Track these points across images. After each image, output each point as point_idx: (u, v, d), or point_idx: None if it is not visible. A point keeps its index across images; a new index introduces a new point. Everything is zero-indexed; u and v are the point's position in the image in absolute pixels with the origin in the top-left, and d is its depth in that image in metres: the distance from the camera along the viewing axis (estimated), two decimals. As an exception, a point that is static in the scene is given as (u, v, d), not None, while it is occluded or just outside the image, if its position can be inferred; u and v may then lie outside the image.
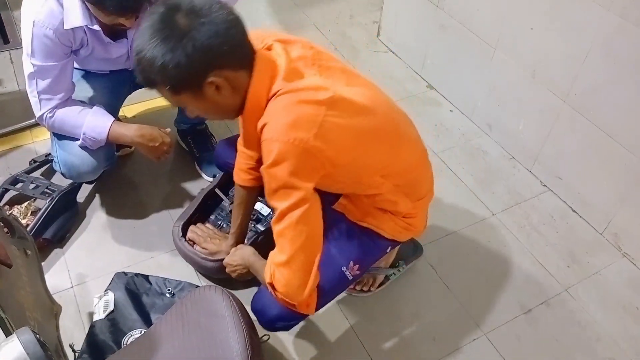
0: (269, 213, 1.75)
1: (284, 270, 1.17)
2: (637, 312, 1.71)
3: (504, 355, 1.57)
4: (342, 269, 1.37)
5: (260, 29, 1.21)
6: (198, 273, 1.70)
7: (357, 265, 1.38)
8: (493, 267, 1.81)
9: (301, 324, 1.60)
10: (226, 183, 1.81)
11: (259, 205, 1.76)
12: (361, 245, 1.39)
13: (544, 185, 2.08)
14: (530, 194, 2.06)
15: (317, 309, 1.32)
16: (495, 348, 1.59)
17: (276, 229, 1.16)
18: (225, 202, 1.77)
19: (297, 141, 1.06)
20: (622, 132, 1.73)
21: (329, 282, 1.33)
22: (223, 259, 1.53)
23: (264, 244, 1.42)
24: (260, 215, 1.75)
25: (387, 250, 1.48)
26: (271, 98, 1.13)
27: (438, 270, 1.77)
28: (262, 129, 1.11)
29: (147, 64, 1.06)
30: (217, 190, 1.79)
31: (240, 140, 1.48)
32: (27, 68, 1.54)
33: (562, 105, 1.88)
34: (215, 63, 1.07)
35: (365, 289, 1.67)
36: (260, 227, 1.72)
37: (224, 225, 1.73)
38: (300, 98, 1.10)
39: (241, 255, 1.47)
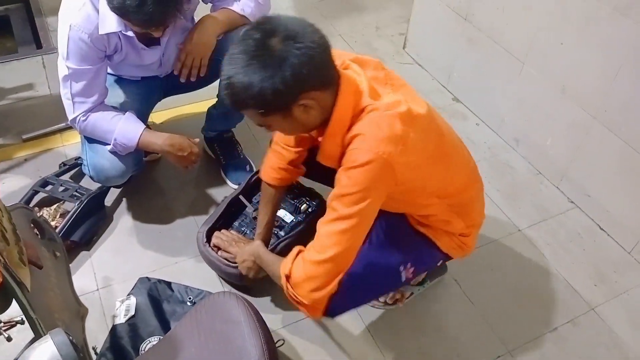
0: (292, 221, 1.75)
1: (311, 267, 1.20)
2: (666, 334, 1.67)
3: (528, 374, 1.55)
4: (400, 268, 1.37)
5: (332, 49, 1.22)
6: (221, 280, 1.71)
7: (413, 269, 1.39)
8: (518, 283, 1.78)
9: (323, 329, 1.61)
10: (250, 190, 1.83)
11: (282, 213, 1.76)
12: (419, 250, 1.41)
13: (572, 202, 2.05)
14: (557, 210, 2.03)
15: (360, 303, 1.33)
16: (519, 366, 1.57)
17: (325, 228, 1.19)
18: (249, 209, 1.78)
19: (386, 154, 1.11)
20: (654, 150, 1.70)
21: (383, 278, 1.35)
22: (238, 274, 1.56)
23: (285, 252, 1.42)
24: (283, 222, 1.75)
25: (438, 264, 1.49)
26: (359, 113, 1.17)
27: (462, 285, 1.76)
28: (352, 139, 1.16)
29: (241, 89, 1.09)
30: (241, 197, 1.80)
31: (277, 140, 1.50)
32: (62, 71, 1.57)
33: (592, 121, 1.86)
34: (308, 86, 1.10)
35: (390, 302, 1.66)
36: (282, 234, 1.72)
37: (248, 232, 1.74)
38: (391, 113, 1.15)
39: (249, 250, 1.50)
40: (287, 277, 1.23)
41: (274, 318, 1.61)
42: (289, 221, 1.76)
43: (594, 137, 1.88)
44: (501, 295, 1.74)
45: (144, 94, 1.81)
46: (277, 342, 1.47)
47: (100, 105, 1.63)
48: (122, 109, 1.70)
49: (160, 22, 1.44)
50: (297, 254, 1.26)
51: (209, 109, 2.02)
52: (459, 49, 2.40)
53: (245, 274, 1.54)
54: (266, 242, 1.59)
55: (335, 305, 1.28)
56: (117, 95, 1.75)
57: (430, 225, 1.41)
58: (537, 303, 1.73)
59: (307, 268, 1.20)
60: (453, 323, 1.66)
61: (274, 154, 1.53)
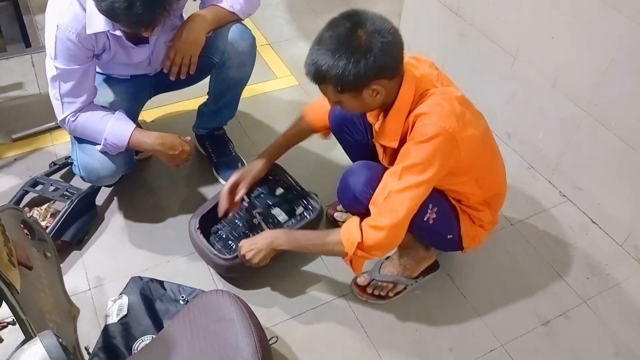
0: (285, 221, 1.74)
1: (386, 231, 1.35)
2: (657, 326, 1.68)
3: (521, 368, 1.56)
4: (429, 206, 1.44)
5: None
6: (214, 279, 1.71)
7: (435, 216, 1.47)
8: (511, 277, 1.79)
9: (316, 326, 1.61)
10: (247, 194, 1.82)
11: (277, 211, 1.76)
12: (445, 208, 1.50)
13: (564, 196, 2.06)
14: (549, 204, 2.04)
15: None
16: (512, 359, 1.58)
17: (398, 196, 1.33)
18: (245, 203, 1.77)
19: (450, 127, 1.29)
20: (645, 143, 1.71)
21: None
22: (235, 257, 1.58)
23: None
24: (275, 220, 1.74)
25: (449, 236, 1.54)
26: (419, 98, 1.36)
27: (455, 280, 1.76)
28: (416, 117, 1.33)
29: (327, 68, 1.26)
30: None
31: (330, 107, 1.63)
32: (50, 71, 1.56)
33: (583, 115, 1.87)
34: (382, 75, 1.28)
35: (382, 294, 1.67)
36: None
37: (240, 225, 1.74)
38: (450, 96, 1.34)
39: (264, 234, 1.56)
40: (360, 244, 1.36)
41: (267, 316, 1.61)
42: (282, 221, 1.75)
43: (585, 131, 1.88)
44: (494, 289, 1.75)
45: (133, 93, 1.79)
46: (270, 339, 1.47)
47: (89, 105, 1.62)
48: (111, 108, 1.69)
49: (149, 23, 1.43)
50: (360, 223, 1.39)
51: (199, 107, 2.01)
52: (451, 44, 2.40)
53: (249, 259, 1.53)
54: (271, 160, 1.75)
55: None
56: (106, 95, 1.74)
57: (462, 205, 1.53)
58: (529, 297, 1.74)
59: (381, 233, 1.34)
60: (446, 317, 1.67)
61: (321, 107, 1.68)
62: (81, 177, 1.72)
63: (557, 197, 2.07)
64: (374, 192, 1.39)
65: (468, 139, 1.33)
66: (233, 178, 1.70)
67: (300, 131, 1.76)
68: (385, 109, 1.40)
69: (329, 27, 1.28)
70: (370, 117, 1.52)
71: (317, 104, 1.71)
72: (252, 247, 1.53)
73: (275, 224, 1.74)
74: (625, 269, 1.83)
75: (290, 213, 1.76)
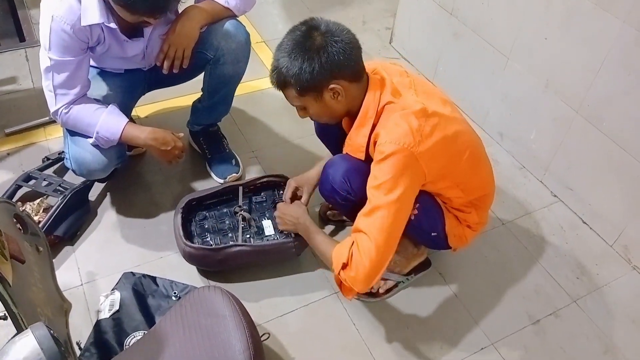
0: (269, 235, 1.72)
1: (368, 257, 1.31)
2: (646, 325, 1.70)
3: (511, 365, 1.57)
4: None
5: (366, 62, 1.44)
6: (206, 275, 1.71)
7: (416, 212, 1.45)
8: (502, 276, 1.80)
9: (308, 323, 1.61)
10: (258, 187, 1.84)
11: (267, 223, 1.76)
12: (429, 204, 1.50)
13: (555, 196, 2.08)
14: (540, 204, 2.05)
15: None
16: (502, 358, 1.58)
17: (366, 220, 1.32)
18: (237, 208, 1.76)
19: (406, 144, 1.29)
20: (635, 144, 1.72)
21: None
22: (194, 246, 1.61)
23: (235, 256, 1.61)
24: (260, 231, 1.73)
25: (432, 234, 1.55)
26: (381, 110, 1.38)
27: (447, 278, 1.77)
28: (376, 136, 1.35)
29: (285, 69, 1.33)
30: (240, 187, 1.79)
31: None
32: (44, 62, 1.55)
33: (574, 115, 1.88)
34: (337, 74, 1.33)
35: (373, 291, 1.68)
36: (249, 239, 1.71)
37: (226, 221, 1.75)
38: (407, 112, 1.33)
39: (295, 211, 1.60)
40: (344, 265, 1.35)
41: (259, 312, 1.62)
42: (267, 234, 1.72)
43: (577, 131, 1.90)
44: (485, 288, 1.76)
45: (127, 87, 1.79)
46: (262, 335, 1.47)
47: (82, 98, 1.62)
48: (105, 101, 1.69)
49: (164, 8, 1.47)
50: (352, 245, 1.35)
51: (194, 103, 2.01)
52: (445, 43, 2.41)
53: (278, 223, 1.66)
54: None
55: None
56: (99, 88, 1.74)
57: (447, 206, 1.54)
58: (520, 296, 1.75)
59: (364, 260, 1.31)
60: (437, 316, 1.68)
61: None
62: (73, 171, 1.71)
63: (549, 197, 2.08)
64: (351, 184, 1.43)
65: (428, 151, 1.32)
66: (293, 184, 1.71)
67: None
68: (353, 116, 1.43)
69: (288, 33, 1.36)
70: (344, 125, 1.54)
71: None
72: (283, 216, 1.63)
73: (257, 235, 1.72)
74: (615, 269, 1.85)
75: (278, 229, 1.71)
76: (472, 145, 1.49)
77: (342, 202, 1.47)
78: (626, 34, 1.63)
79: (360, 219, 1.35)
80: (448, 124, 1.39)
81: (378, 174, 1.32)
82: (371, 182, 1.34)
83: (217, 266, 1.67)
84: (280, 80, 1.37)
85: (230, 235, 1.71)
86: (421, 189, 1.41)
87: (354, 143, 1.45)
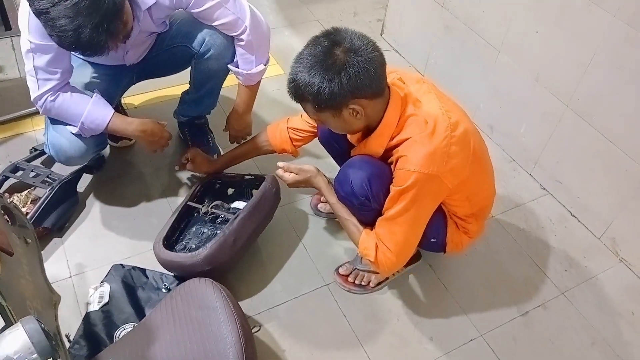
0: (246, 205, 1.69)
1: (392, 258, 1.41)
2: (632, 317, 1.72)
3: (499, 357, 1.58)
4: None
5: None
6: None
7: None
8: (491, 268, 1.81)
9: (298, 315, 1.62)
10: (201, 194, 1.81)
11: (237, 204, 1.75)
12: (434, 215, 1.47)
13: (544, 189, 2.09)
14: (529, 197, 2.06)
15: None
16: (491, 349, 1.60)
17: (388, 226, 1.38)
18: (202, 210, 1.73)
19: (430, 171, 1.29)
20: (624, 138, 1.73)
21: None
22: (204, 256, 1.52)
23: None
24: (236, 210, 1.71)
25: (432, 240, 1.54)
26: (404, 121, 1.34)
27: (437, 270, 1.78)
28: (397, 159, 1.34)
29: (303, 85, 1.26)
30: (189, 203, 1.75)
31: (295, 120, 1.71)
32: (24, 45, 1.51)
33: (564, 109, 1.89)
34: (359, 94, 1.27)
35: (364, 283, 1.69)
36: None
37: (205, 230, 1.72)
38: (430, 131, 1.30)
39: (312, 171, 1.58)
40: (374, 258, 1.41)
41: (250, 304, 1.62)
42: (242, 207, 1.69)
43: (566, 125, 1.91)
44: (474, 280, 1.77)
45: (113, 75, 1.76)
46: (253, 327, 1.47)
47: (66, 86, 1.59)
48: (89, 88, 1.66)
49: (95, 53, 1.40)
50: (376, 249, 1.42)
51: (182, 94, 2.00)
52: (436, 36, 2.41)
53: (286, 179, 1.61)
54: (223, 165, 1.84)
55: None
56: (83, 75, 1.71)
57: (450, 214, 1.54)
58: (509, 288, 1.76)
59: (389, 259, 1.40)
60: (427, 308, 1.69)
61: (288, 130, 1.71)
62: (50, 157, 1.68)
63: (538, 190, 2.09)
64: (372, 189, 1.38)
65: (452, 170, 1.32)
66: (190, 154, 1.81)
67: (257, 146, 1.80)
68: (370, 130, 1.39)
69: (308, 45, 1.29)
70: (351, 137, 1.51)
71: (280, 126, 1.73)
72: (295, 170, 1.60)
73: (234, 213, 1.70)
74: (603, 261, 1.87)
75: (250, 198, 1.72)
76: (485, 153, 1.51)
77: (358, 206, 1.44)
78: (617, 28, 1.63)
79: (382, 225, 1.40)
80: (466, 131, 1.38)
81: (399, 204, 1.34)
82: (390, 207, 1.36)
83: (233, 253, 1.58)
84: (298, 95, 1.30)
85: (218, 232, 1.66)
86: None
87: (369, 150, 1.42)
